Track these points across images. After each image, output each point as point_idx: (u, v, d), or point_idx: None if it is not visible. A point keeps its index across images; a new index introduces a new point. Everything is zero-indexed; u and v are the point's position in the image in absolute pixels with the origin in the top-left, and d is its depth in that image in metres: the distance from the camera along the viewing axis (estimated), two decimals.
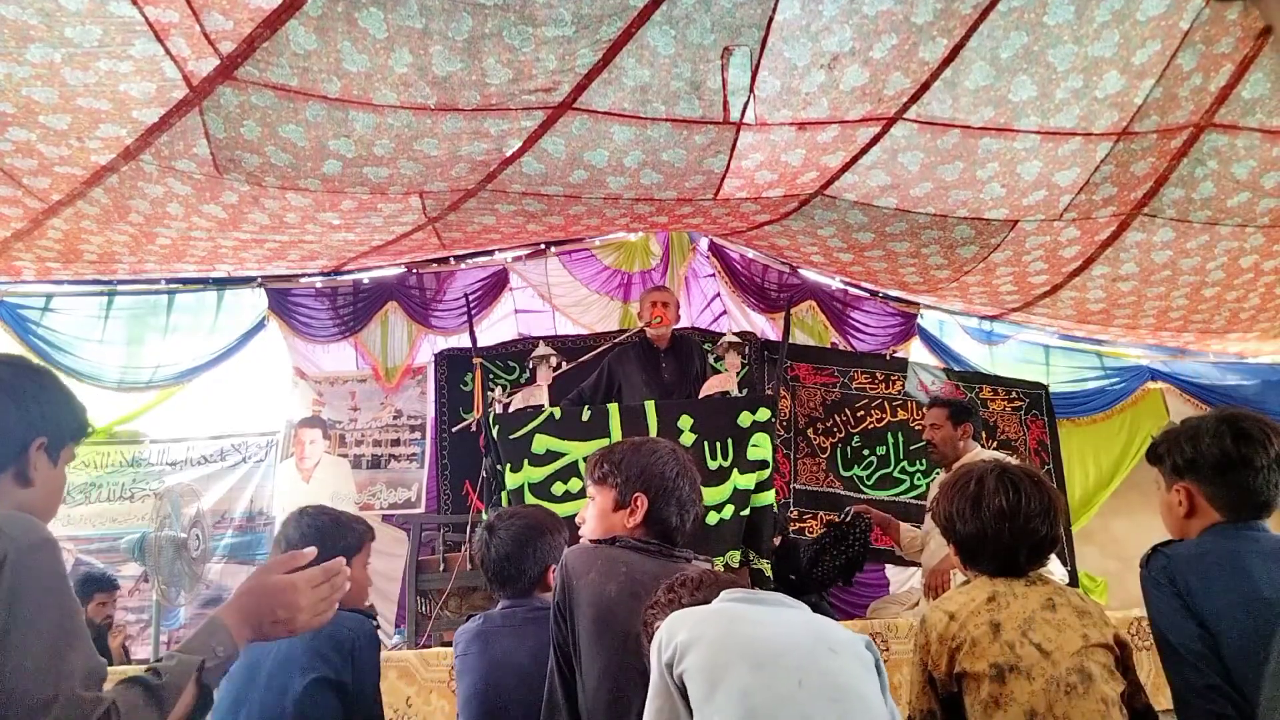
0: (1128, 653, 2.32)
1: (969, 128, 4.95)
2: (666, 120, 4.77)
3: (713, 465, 4.81)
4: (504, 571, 2.92)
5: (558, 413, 5.18)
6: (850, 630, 1.92)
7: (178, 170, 4.79)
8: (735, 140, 4.98)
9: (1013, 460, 3.39)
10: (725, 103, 4.66)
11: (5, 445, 1.71)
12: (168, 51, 3.92)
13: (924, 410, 5.67)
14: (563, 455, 5.05)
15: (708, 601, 1.96)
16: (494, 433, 5.11)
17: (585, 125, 4.77)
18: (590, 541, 2.52)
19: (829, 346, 8.16)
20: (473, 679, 2.83)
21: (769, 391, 6.23)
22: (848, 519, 5.37)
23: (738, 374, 5.84)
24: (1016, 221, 5.81)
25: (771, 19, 4.19)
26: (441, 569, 5.51)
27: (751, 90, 4.59)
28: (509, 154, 4.97)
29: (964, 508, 2.39)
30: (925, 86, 4.70)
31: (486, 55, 4.14)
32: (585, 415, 5.19)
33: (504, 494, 5.04)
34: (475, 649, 2.86)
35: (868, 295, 8.22)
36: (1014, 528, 2.32)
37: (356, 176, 5.02)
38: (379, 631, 4.94)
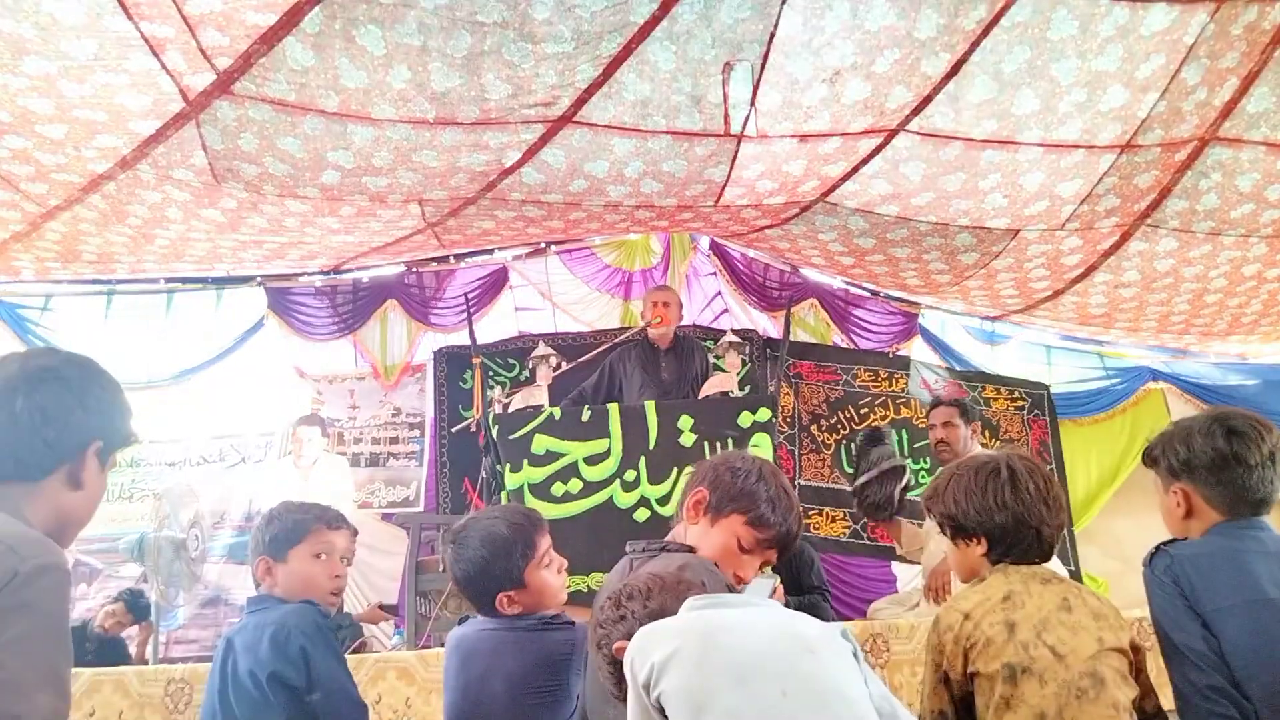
0: (1141, 657, 2.30)
1: (971, 140, 4.92)
2: (667, 133, 4.74)
3: None
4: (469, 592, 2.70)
5: (558, 413, 5.20)
6: (824, 623, 1.85)
7: (175, 179, 4.78)
8: (736, 152, 4.95)
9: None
10: (726, 116, 4.63)
11: (65, 444, 1.69)
12: (164, 66, 3.90)
13: (928, 409, 5.62)
14: (563, 455, 5.07)
15: (664, 610, 1.88)
16: (494, 433, 5.13)
17: (585, 138, 4.75)
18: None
19: (830, 345, 8.15)
20: (450, 700, 2.74)
21: (771, 389, 6.24)
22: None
23: (738, 373, 5.85)
24: (1018, 231, 5.78)
25: (773, 34, 4.15)
26: (441, 569, 5.51)
27: (753, 104, 4.56)
28: (509, 165, 4.94)
29: (1003, 496, 2.33)
30: (928, 100, 4.66)
31: (486, 71, 4.12)
32: (585, 415, 5.21)
33: (504, 494, 5.08)
34: (454, 664, 2.70)
35: (869, 295, 8.20)
36: (1049, 510, 2.32)
37: (355, 186, 5.00)
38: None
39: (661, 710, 1.69)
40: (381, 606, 6.03)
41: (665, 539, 2.37)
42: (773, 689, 1.65)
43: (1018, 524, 2.35)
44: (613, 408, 5.34)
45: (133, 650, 6.42)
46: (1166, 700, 2.30)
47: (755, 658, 1.69)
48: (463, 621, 2.82)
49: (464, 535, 2.63)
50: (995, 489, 2.36)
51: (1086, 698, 2.12)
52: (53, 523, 1.68)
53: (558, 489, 5.03)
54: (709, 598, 1.86)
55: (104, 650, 6.11)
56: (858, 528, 7.12)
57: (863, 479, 5.26)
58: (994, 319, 7.96)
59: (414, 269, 7.71)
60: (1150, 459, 2.52)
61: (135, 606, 6.42)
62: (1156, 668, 2.39)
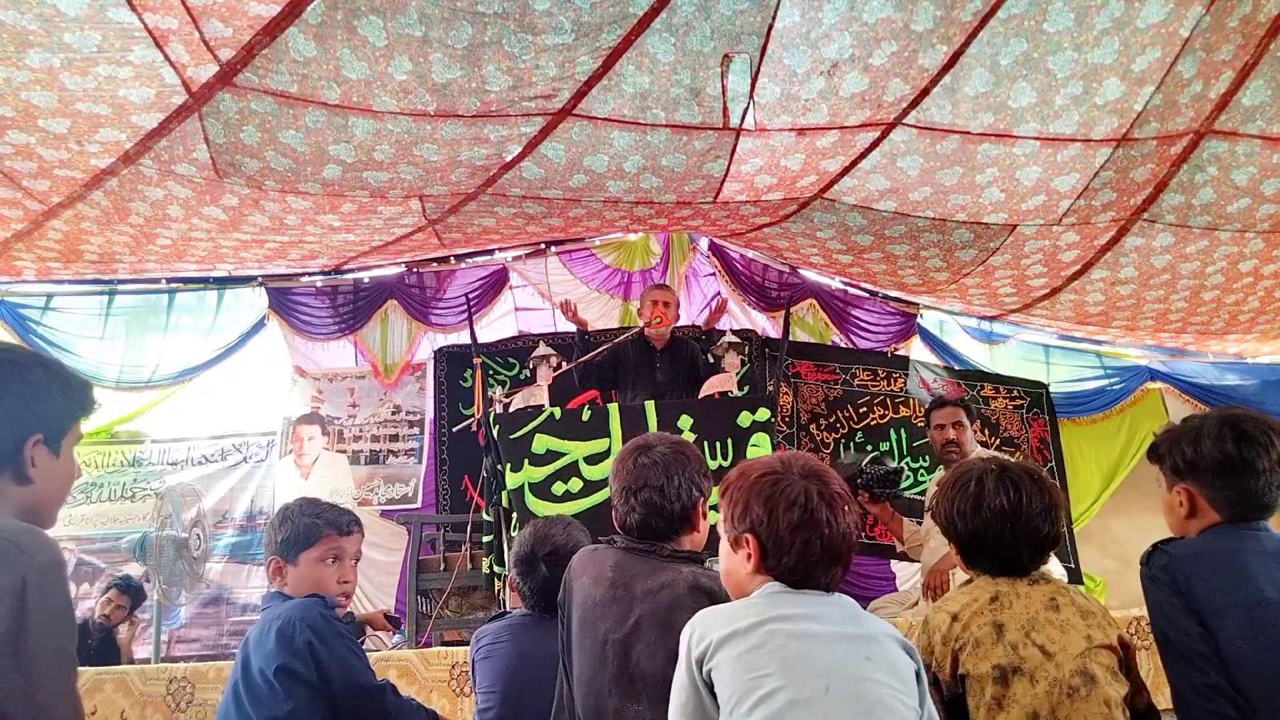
0: (1130, 653, 2.30)
1: (968, 133, 4.94)
2: (666, 126, 4.76)
3: (713, 465, 4.79)
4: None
5: (558, 413, 5.20)
6: (892, 630, 1.89)
7: (177, 174, 4.80)
8: (735, 145, 4.97)
9: (1011, 458, 3.37)
10: (725, 109, 4.65)
11: None
12: (167, 58, 3.92)
13: (929, 409, 5.61)
14: (563, 455, 5.06)
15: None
16: (494, 432, 5.13)
17: (585, 131, 4.77)
18: (593, 544, 2.52)
19: (829, 345, 8.17)
20: (501, 664, 2.91)
21: (770, 389, 6.25)
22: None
23: (738, 373, 5.85)
24: (1015, 226, 5.80)
25: (771, 26, 4.18)
26: (442, 568, 5.53)
27: (751, 96, 4.58)
28: (509, 159, 4.96)
29: (964, 508, 2.37)
30: (925, 92, 4.69)
31: (486, 63, 4.14)
32: (585, 415, 5.21)
33: (504, 493, 5.07)
34: (506, 637, 2.96)
35: (868, 295, 8.23)
36: (1015, 527, 2.30)
37: (356, 181, 5.02)
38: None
39: (710, 686, 1.76)
40: (387, 616, 6.06)
41: (672, 547, 2.37)
42: (817, 683, 1.68)
43: (975, 538, 2.38)
44: (613, 408, 5.36)
45: (124, 647, 6.42)
46: (1164, 699, 2.30)
47: (807, 650, 1.74)
48: (492, 619, 3.13)
49: (567, 549, 2.90)
50: (961, 501, 2.39)
51: (1079, 696, 2.13)
52: (21, 515, 1.65)
53: (558, 488, 5.02)
54: (778, 585, 1.89)
55: (105, 648, 6.12)
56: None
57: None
58: (992, 318, 7.98)
59: (414, 269, 7.74)
60: (1155, 455, 2.50)
61: (128, 588, 6.44)
62: (1154, 666, 2.39)
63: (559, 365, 5.83)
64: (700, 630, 1.83)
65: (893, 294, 8.01)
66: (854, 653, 1.76)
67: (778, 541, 1.89)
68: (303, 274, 7.37)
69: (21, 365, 1.71)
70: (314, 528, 2.79)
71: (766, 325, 8.23)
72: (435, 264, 7.71)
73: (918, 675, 1.82)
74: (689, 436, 4.97)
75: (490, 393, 5.56)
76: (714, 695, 1.75)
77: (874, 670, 1.74)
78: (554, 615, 2.92)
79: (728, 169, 5.22)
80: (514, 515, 4.91)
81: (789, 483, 1.92)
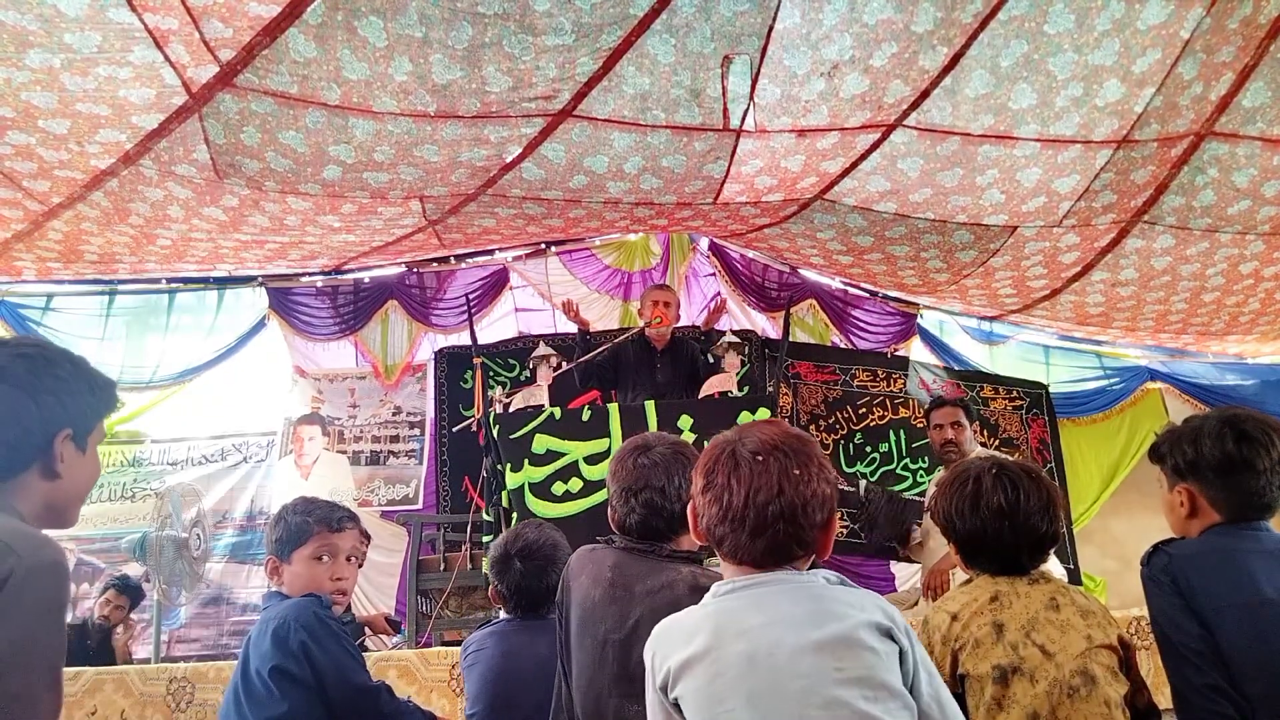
0: (1130, 653, 2.30)
1: (969, 135, 4.94)
2: (666, 127, 4.77)
3: None
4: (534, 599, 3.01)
5: (558, 413, 5.20)
6: (864, 613, 1.67)
7: (177, 175, 4.80)
8: (735, 147, 4.97)
9: (1010, 457, 3.37)
10: (725, 110, 4.65)
11: (27, 444, 1.64)
12: (167, 58, 3.92)
13: (929, 409, 5.60)
14: (563, 455, 5.06)
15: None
16: (494, 432, 5.13)
17: (585, 132, 4.77)
18: (590, 544, 2.51)
19: (829, 345, 8.17)
20: (486, 668, 2.89)
21: (769, 389, 6.25)
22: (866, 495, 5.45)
23: (737, 373, 5.85)
24: (1016, 227, 5.79)
25: (772, 27, 4.18)
26: (442, 568, 5.53)
27: (751, 98, 4.58)
28: (509, 160, 4.97)
29: (962, 506, 2.37)
30: (925, 94, 4.68)
31: (486, 63, 4.14)
32: (585, 415, 5.21)
33: (504, 493, 5.07)
34: (490, 643, 2.95)
35: (868, 295, 8.22)
36: (1014, 525, 2.30)
37: (356, 181, 5.02)
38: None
39: (679, 710, 1.68)
40: (388, 620, 6.12)
41: (671, 548, 2.35)
42: (790, 713, 1.58)
43: (974, 537, 2.38)
44: (613, 408, 5.36)
45: (119, 649, 6.41)
46: (1164, 699, 2.30)
47: (771, 669, 1.62)
48: (480, 628, 3.10)
49: (541, 546, 3.00)
50: (959, 500, 2.39)
51: (1078, 696, 2.13)
52: (44, 511, 1.67)
53: (558, 488, 5.02)
54: (733, 582, 1.76)
55: (104, 648, 6.12)
56: (856, 527, 7.12)
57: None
58: (992, 319, 7.98)
59: (415, 269, 7.74)
60: (1156, 455, 2.49)
61: (127, 588, 6.45)
62: (1155, 666, 2.39)
63: (559, 365, 5.83)
64: (660, 654, 1.73)
65: (893, 294, 8.01)
66: (823, 666, 1.59)
67: (700, 511, 1.80)
68: (303, 274, 7.38)
69: (54, 361, 1.72)
70: (305, 525, 2.80)
71: (766, 325, 8.22)
72: (435, 264, 7.71)
73: (901, 655, 1.67)
74: (689, 436, 4.96)
75: (490, 393, 5.56)
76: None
77: (848, 687, 1.59)
78: (536, 617, 2.99)
79: (728, 170, 5.22)
80: (514, 515, 4.90)
81: (713, 447, 1.83)
